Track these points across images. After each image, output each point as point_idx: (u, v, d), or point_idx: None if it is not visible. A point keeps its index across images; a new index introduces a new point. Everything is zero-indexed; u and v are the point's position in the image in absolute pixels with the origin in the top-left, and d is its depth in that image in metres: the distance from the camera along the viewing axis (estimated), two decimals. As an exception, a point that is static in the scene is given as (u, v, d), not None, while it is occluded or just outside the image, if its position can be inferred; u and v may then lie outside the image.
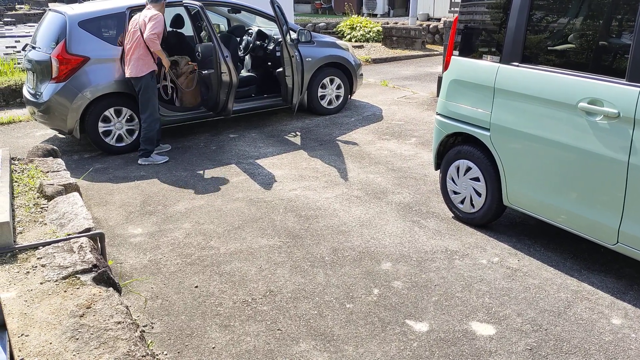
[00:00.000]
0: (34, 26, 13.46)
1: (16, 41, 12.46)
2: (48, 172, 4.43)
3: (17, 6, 23.89)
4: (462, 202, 4.12)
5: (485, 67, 3.73)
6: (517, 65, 3.53)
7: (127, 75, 5.60)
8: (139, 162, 5.70)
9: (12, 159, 4.68)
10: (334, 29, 15.18)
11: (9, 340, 2.27)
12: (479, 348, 2.78)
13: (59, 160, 4.83)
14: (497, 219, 4.07)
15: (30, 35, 8.62)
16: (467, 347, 2.79)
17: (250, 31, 7.79)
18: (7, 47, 11.49)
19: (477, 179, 3.94)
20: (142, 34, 5.43)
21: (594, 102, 3.07)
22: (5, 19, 17.89)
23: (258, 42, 7.53)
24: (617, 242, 3.12)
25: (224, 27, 8.43)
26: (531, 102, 3.43)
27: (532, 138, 3.44)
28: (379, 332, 2.92)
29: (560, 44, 3.42)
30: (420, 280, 3.40)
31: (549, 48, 3.48)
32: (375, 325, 2.98)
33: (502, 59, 3.62)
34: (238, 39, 7.60)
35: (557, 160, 3.32)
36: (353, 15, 16.15)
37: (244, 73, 7.40)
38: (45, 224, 3.53)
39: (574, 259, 3.61)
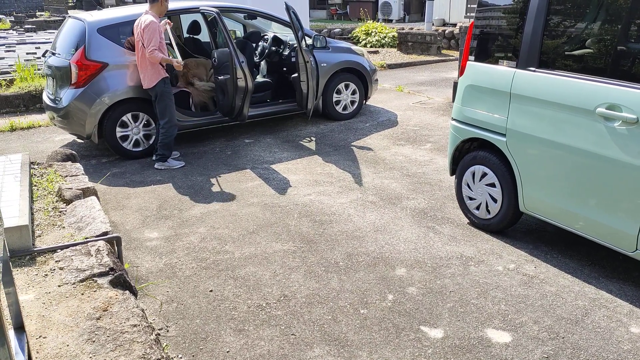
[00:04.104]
0: (54, 33, 13.68)
1: (36, 47, 12.68)
2: (67, 176, 4.50)
3: (38, 13, 24.34)
4: (477, 208, 4.09)
5: (502, 73, 3.71)
6: (534, 71, 3.50)
7: (144, 87, 5.69)
8: (156, 166, 5.76)
9: (32, 163, 4.76)
10: (349, 35, 15.20)
11: (27, 342, 2.31)
12: (494, 355, 2.75)
13: (78, 164, 4.91)
14: (513, 225, 4.03)
15: (50, 42, 8.77)
16: (483, 354, 2.76)
17: (265, 37, 7.84)
18: (27, 54, 11.68)
19: (492, 185, 3.91)
20: (143, 45, 5.48)
21: (612, 108, 3.04)
22: (26, 26, 18.22)
23: (273, 48, 7.58)
24: (637, 249, 3.08)
25: (240, 33, 8.50)
26: (548, 108, 3.40)
27: (548, 144, 3.40)
28: (393, 338, 2.91)
29: (578, 49, 3.39)
30: (435, 286, 3.38)
31: (566, 53, 3.44)
32: (389, 331, 2.96)
33: (518, 64, 3.60)
34: (254, 44, 7.66)
35: (575, 166, 3.29)
36: (368, 21, 16.16)
37: (259, 78, 7.45)
38: (64, 227, 3.58)
39: (591, 267, 3.56)
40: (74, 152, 5.43)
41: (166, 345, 2.88)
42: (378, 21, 17.70)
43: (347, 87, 7.40)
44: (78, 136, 6.25)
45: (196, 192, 5.09)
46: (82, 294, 2.81)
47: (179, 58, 5.85)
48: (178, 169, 5.72)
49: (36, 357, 2.34)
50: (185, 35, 7.74)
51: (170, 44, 6.01)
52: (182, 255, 3.86)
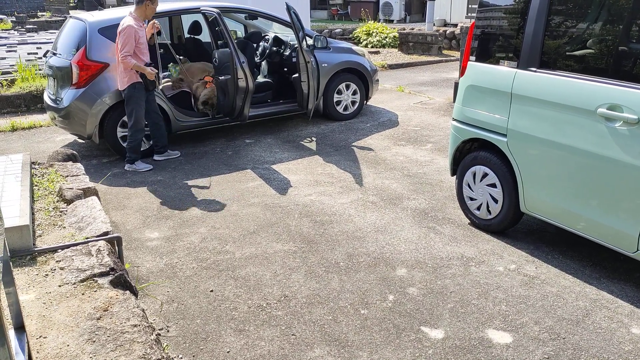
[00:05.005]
0: (55, 33, 13.69)
1: (38, 48, 12.68)
2: (67, 176, 4.50)
3: (39, 13, 24.36)
4: (478, 208, 4.09)
5: (503, 73, 3.71)
6: (535, 71, 3.50)
7: (118, 88, 5.66)
8: (125, 167, 5.74)
9: (33, 163, 4.76)
10: (350, 35, 15.20)
11: (28, 342, 2.30)
12: (495, 356, 2.75)
13: (79, 164, 4.90)
14: (514, 226, 4.02)
15: (52, 42, 8.78)
16: (483, 355, 2.76)
17: (266, 37, 7.84)
18: (28, 54, 11.68)
19: (493, 185, 3.90)
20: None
21: (613, 108, 3.03)
22: (28, 26, 18.24)
23: (274, 48, 7.58)
24: (638, 249, 3.07)
25: (240, 33, 8.51)
26: (549, 108, 3.40)
27: (549, 144, 3.40)
28: (393, 338, 2.90)
29: (579, 49, 3.38)
30: (435, 286, 3.38)
31: (567, 53, 3.44)
32: (390, 331, 2.96)
33: (519, 65, 3.59)
34: (254, 45, 7.66)
35: (576, 166, 3.28)
36: (369, 21, 16.16)
37: (260, 79, 7.46)
38: (64, 227, 3.58)
39: (592, 267, 3.56)
40: (74, 152, 5.43)
41: (166, 345, 2.88)
42: (379, 21, 17.70)
43: (347, 87, 7.40)
44: (79, 136, 6.25)
45: (197, 192, 5.09)
46: (83, 294, 2.81)
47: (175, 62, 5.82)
48: (178, 170, 5.72)
49: (36, 357, 2.34)
50: (187, 35, 7.74)
51: (154, 46, 6.00)
52: (182, 256, 3.86)
